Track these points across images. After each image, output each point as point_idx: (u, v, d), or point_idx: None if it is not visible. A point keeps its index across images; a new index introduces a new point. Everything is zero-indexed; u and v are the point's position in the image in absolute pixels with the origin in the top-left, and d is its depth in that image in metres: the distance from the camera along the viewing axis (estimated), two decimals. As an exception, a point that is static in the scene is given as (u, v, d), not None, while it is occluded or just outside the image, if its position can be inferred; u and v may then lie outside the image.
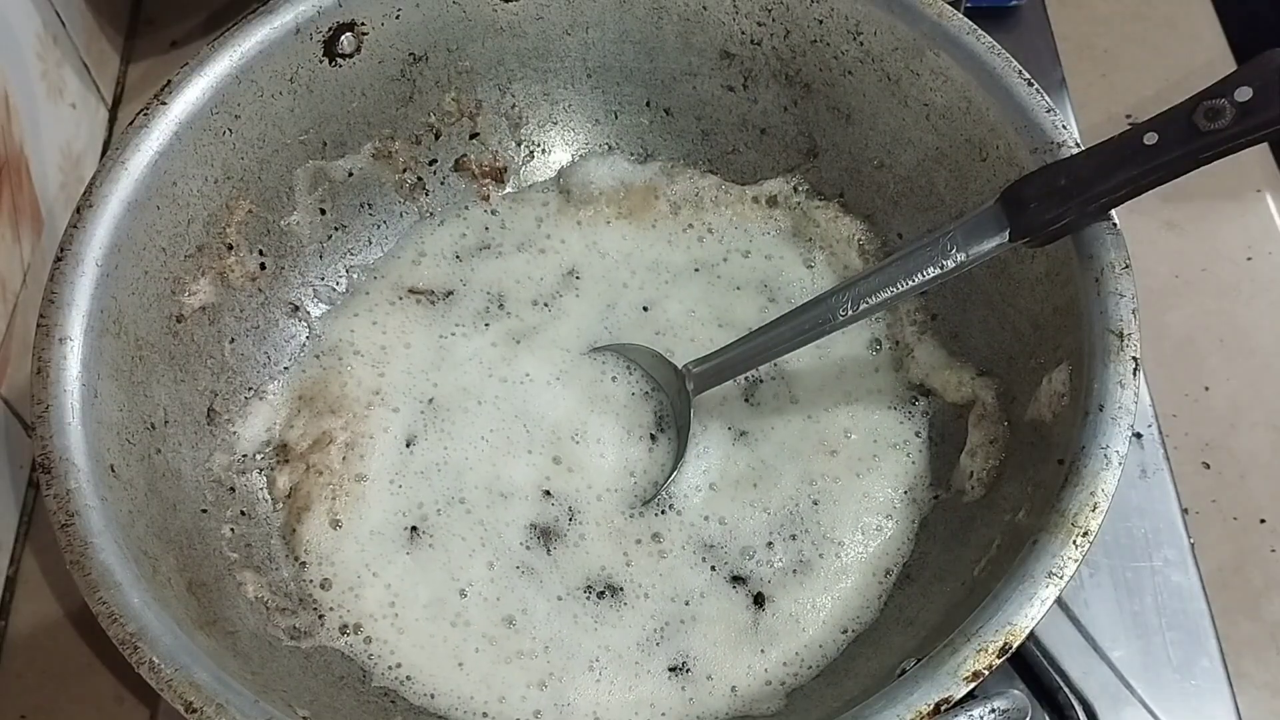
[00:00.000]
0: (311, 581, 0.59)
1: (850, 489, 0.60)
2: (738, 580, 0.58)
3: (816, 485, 0.61)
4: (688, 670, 0.56)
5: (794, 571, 0.58)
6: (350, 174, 0.66)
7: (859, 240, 0.66)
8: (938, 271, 0.53)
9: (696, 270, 0.68)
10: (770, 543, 0.59)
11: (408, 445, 0.62)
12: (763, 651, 0.57)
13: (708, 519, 0.60)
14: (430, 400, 0.64)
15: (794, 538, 0.59)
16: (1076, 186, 0.50)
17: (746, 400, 0.64)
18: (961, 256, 0.52)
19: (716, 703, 0.56)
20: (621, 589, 0.58)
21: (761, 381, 0.64)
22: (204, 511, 0.57)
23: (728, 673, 0.56)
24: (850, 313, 0.55)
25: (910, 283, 0.53)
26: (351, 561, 0.59)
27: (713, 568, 0.59)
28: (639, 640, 0.57)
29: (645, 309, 0.66)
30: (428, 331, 0.66)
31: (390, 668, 0.57)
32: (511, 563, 0.59)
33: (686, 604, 0.58)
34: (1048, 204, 0.51)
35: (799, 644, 0.57)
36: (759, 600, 0.58)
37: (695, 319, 0.66)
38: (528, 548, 0.59)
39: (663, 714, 0.55)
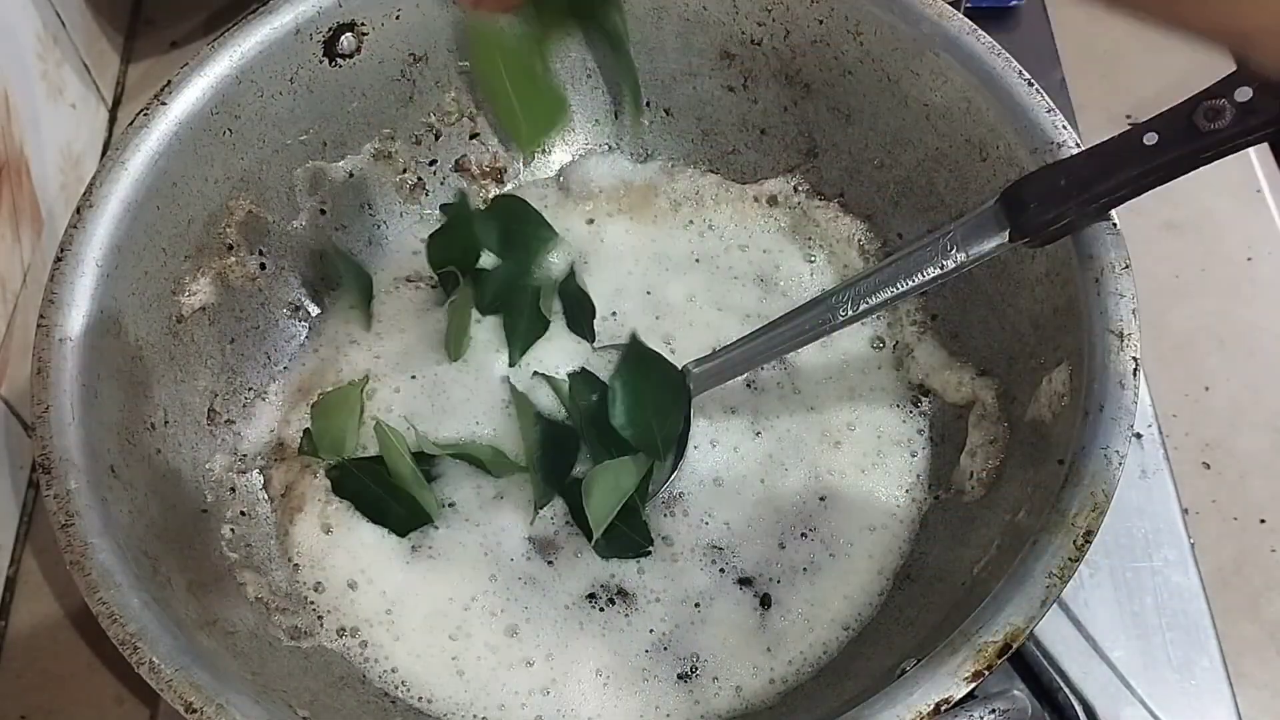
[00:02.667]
0: (305, 584, 0.58)
1: (857, 485, 0.60)
2: (745, 582, 0.58)
3: (823, 481, 0.61)
4: (696, 674, 0.56)
5: (804, 570, 0.58)
6: (350, 174, 0.66)
7: (859, 240, 0.66)
8: (938, 272, 0.53)
9: (697, 261, 0.68)
10: (782, 544, 0.59)
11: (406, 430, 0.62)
12: (769, 650, 0.57)
13: (716, 519, 0.60)
14: (431, 380, 0.64)
15: (804, 536, 0.59)
16: (1076, 186, 0.50)
17: (748, 386, 0.63)
18: (961, 257, 0.52)
19: (721, 703, 0.56)
20: (633, 595, 0.58)
21: (762, 370, 0.64)
22: (204, 511, 0.57)
23: (734, 674, 0.56)
24: (850, 313, 0.55)
25: (910, 283, 0.53)
26: (344, 565, 0.59)
27: (721, 570, 0.59)
28: (648, 646, 0.57)
29: (648, 293, 0.66)
30: (427, 315, 0.66)
31: (386, 672, 0.57)
32: (514, 573, 0.59)
33: (696, 606, 0.58)
34: (1047, 204, 0.51)
35: (805, 644, 0.57)
36: (765, 601, 0.58)
37: (694, 305, 0.66)
38: (528, 559, 0.59)
39: (667, 715, 0.55)
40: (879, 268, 0.55)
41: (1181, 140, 0.48)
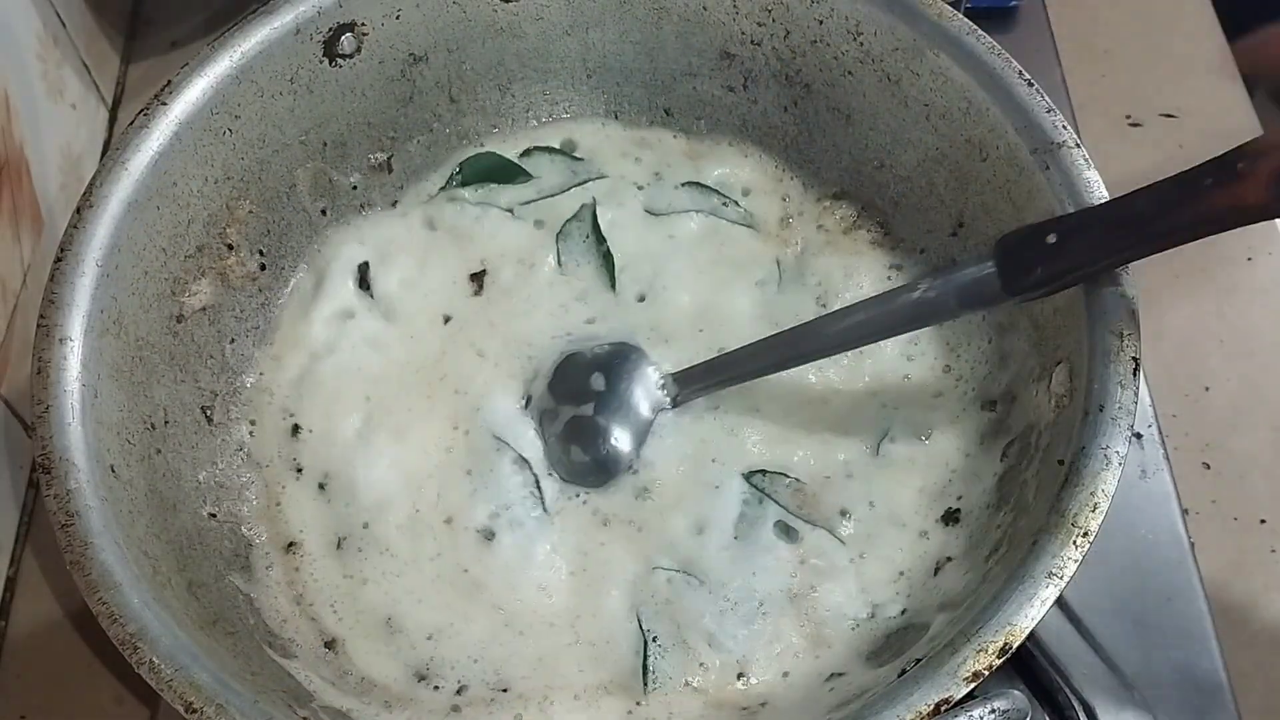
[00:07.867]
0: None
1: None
2: None
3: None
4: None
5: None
6: (350, 175, 0.66)
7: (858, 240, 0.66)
8: (931, 322, 0.56)
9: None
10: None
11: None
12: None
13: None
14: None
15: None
16: (1077, 248, 0.49)
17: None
18: (959, 311, 0.54)
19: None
20: None
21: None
22: (205, 513, 0.57)
23: None
24: (837, 345, 0.57)
25: (903, 330, 0.56)
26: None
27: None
28: None
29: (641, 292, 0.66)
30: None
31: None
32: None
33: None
34: (1048, 264, 0.50)
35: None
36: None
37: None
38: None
39: None
40: (873, 308, 0.55)
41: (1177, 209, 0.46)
